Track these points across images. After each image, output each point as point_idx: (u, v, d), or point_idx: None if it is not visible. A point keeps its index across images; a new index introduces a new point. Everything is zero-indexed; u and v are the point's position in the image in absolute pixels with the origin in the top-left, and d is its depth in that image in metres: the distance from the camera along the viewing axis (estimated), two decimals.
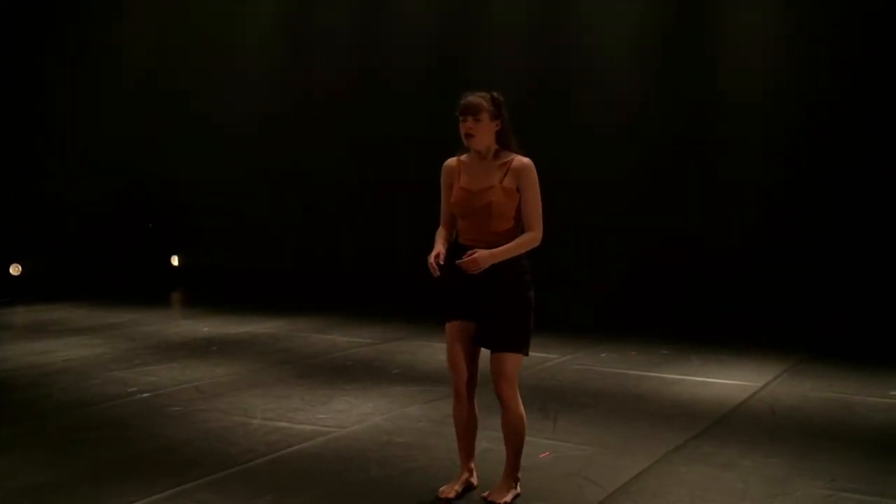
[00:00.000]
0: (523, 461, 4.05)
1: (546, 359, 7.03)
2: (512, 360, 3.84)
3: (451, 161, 4.00)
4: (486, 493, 3.93)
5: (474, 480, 4.10)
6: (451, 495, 3.97)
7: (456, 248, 3.91)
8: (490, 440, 4.72)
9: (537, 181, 3.83)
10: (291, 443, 4.81)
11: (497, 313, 3.82)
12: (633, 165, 9.47)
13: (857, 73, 8.38)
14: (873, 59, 8.33)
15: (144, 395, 5.89)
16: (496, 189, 3.81)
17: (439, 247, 3.82)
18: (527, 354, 3.89)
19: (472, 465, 4.11)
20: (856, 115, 8.37)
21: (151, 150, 12.27)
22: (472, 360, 3.96)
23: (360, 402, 5.71)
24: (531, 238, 3.80)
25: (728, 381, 6.36)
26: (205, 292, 11.24)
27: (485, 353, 3.95)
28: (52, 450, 4.72)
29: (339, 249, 11.12)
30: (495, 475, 4.18)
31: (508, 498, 3.90)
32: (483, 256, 3.69)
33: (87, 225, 11.79)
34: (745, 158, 8.98)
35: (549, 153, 8.77)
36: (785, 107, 8.78)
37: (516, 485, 3.98)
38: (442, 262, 3.75)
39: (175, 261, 12.52)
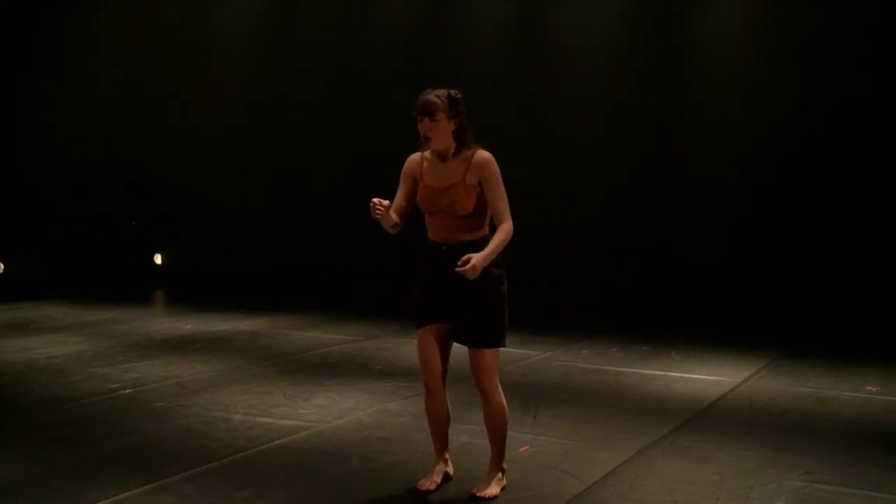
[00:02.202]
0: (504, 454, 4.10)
1: (527, 355, 7.08)
2: (491, 355, 3.89)
3: (416, 156, 4.02)
4: (473, 490, 3.95)
5: (450, 471, 4.15)
6: (432, 487, 4.02)
7: (428, 247, 3.94)
8: (470, 434, 4.78)
9: (499, 173, 3.84)
10: (273, 437, 4.84)
11: (473, 311, 3.84)
12: (609, 167, 9.50)
13: (836, 78, 8.46)
14: (854, 64, 8.41)
15: (126, 391, 5.90)
16: (458, 186, 3.83)
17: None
18: (504, 346, 3.94)
19: (447, 457, 4.15)
20: (832, 120, 8.44)
21: (134, 149, 12.25)
22: (444, 356, 4.00)
23: (342, 398, 5.74)
24: (507, 230, 3.79)
25: (707, 377, 6.43)
26: (187, 290, 11.23)
27: (460, 348, 3.99)
28: (33, 446, 4.72)
29: (322, 247, 11.13)
30: (475, 468, 4.23)
31: (496, 490, 3.95)
32: (479, 261, 3.66)
33: (70, 223, 11.76)
34: (721, 160, 9.03)
35: (524, 156, 8.91)
36: (761, 112, 8.85)
37: (502, 475, 4.02)
38: (385, 204, 3.73)
39: (158, 259, 12.50)
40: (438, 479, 4.06)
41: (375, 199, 3.73)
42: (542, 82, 9.90)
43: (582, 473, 4.27)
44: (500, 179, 3.85)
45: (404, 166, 4.04)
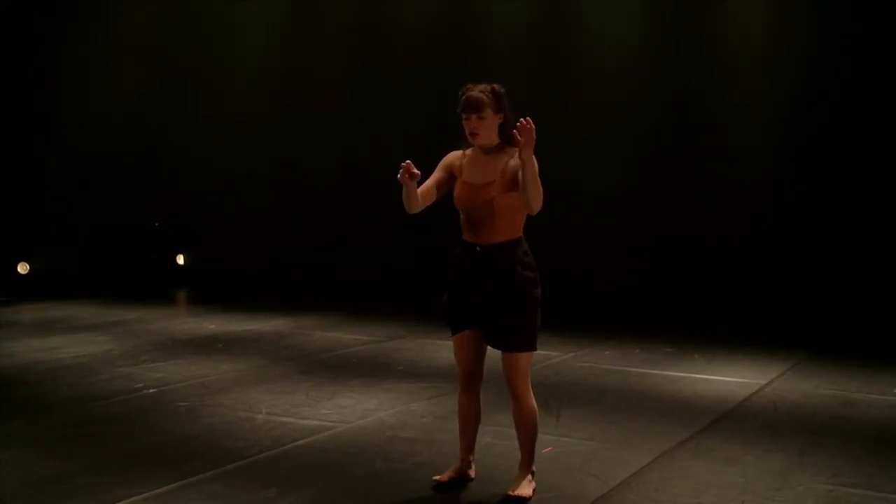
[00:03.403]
0: None
1: (549, 356, 7.06)
2: (525, 358, 3.87)
3: (457, 153, 3.98)
4: (509, 490, 3.90)
5: (471, 472, 4.14)
6: (444, 479, 4.04)
7: (461, 247, 3.92)
8: (494, 435, 4.77)
9: (536, 166, 3.72)
10: (296, 437, 4.85)
11: (507, 315, 3.81)
12: (631, 165, 9.49)
13: (855, 73, 8.39)
14: (873, 57, 8.33)
15: (151, 390, 5.93)
16: (498, 184, 3.77)
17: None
18: (536, 350, 3.91)
19: (471, 458, 4.14)
20: (854, 113, 8.37)
21: (157, 150, 12.32)
22: (479, 354, 3.98)
23: (365, 398, 5.74)
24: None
25: (731, 379, 6.38)
26: (210, 290, 11.29)
27: (493, 350, 3.97)
28: (58, 444, 4.76)
29: (345, 248, 11.15)
30: (498, 469, 4.23)
31: (529, 491, 3.92)
32: (531, 148, 3.54)
33: (94, 224, 11.84)
34: (744, 156, 8.99)
35: (547, 154, 8.87)
36: (784, 109, 8.79)
37: (532, 477, 4.00)
38: (414, 170, 3.64)
39: (181, 259, 12.57)
40: (454, 474, 4.07)
41: (408, 163, 3.64)
42: (562, 80, 9.87)
43: (606, 475, 4.25)
44: (536, 168, 3.71)
45: (444, 158, 3.99)
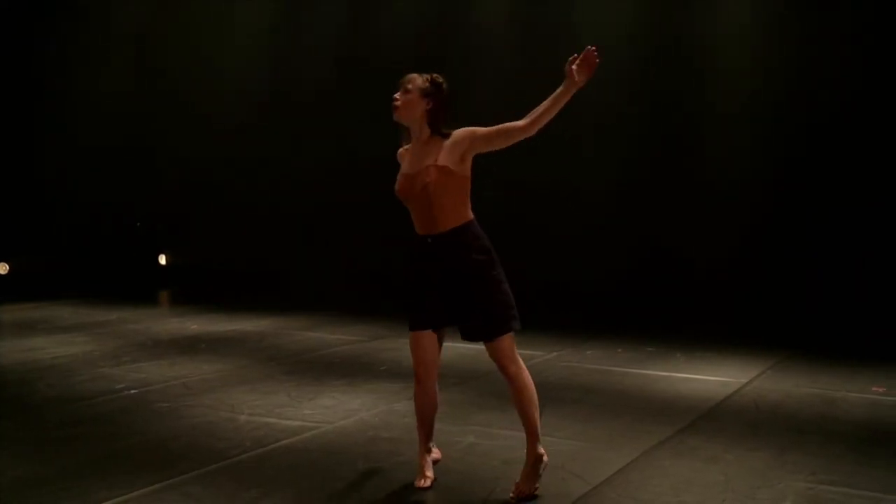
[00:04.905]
0: (511, 454, 4.09)
1: (532, 356, 7.07)
2: (507, 340, 3.83)
3: (401, 150, 4.05)
4: (512, 494, 3.88)
5: (438, 456, 4.22)
6: (428, 484, 4.04)
7: (413, 242, 3.93)
8: (476, 435, 4.78)
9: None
10: (279, 438, 4.84)
11: (472, 306, 3.79)
12: (616, 167, 9.52)
13: (854, 72, 8.44)
14: (872, 56, 8.38)
15: (132, 391, 5.91)
16: (431, 169, 3.76)
17: None
18: (517, 328, 3.86)
19: (432, 445, 4.20)
20: (842, 118, 8.43)
21: (139, 150, 12.27)
22: (435, 348, 3.97)
23: (347, 398, 5.74)
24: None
25: (713, 378, 6.42)
26: (191, 290, 11.25)
27: (469, 347, 3.98)
28: (39, 445, 4.74)
29: (328, 249, 11.13)
30: (481, 468, 4.25)
31: (535, 484, 3.90)
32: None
33: (76, 224, 11.78)
34: (728, 159, 9.04)
35: (531, 156, 8.90)
36: (770, 112, 8.85)
37: (540, 458, 3.94)
38: None
39: (162, 259, 12.52)
40: (432, 473, 4.09)
41: None
42: (555, 80, 9.88)
43: (588, 474, 4.26)
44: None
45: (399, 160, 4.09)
